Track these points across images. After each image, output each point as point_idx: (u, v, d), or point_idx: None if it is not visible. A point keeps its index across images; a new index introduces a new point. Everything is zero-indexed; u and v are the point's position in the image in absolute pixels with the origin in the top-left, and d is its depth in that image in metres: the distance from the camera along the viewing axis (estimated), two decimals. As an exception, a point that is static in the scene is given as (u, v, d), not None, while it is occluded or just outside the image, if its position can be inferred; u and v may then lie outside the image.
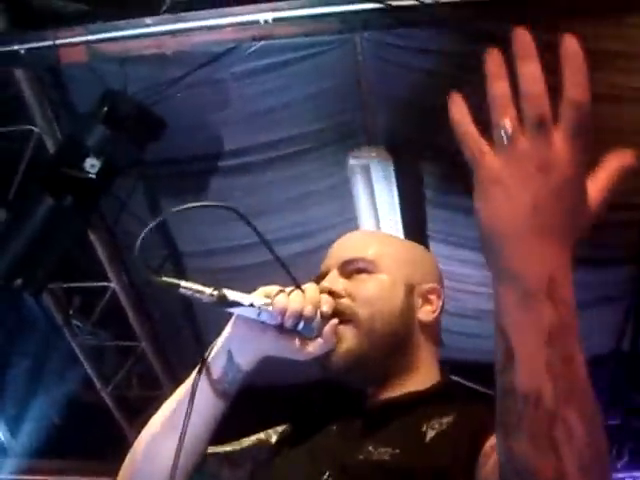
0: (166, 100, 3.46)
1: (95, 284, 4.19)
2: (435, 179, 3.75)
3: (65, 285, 4.25)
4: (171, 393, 1.33)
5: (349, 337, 1.28)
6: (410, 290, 1.35)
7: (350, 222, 3.96)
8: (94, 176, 3.35)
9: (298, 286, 1.25)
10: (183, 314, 4.44)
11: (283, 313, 1.21)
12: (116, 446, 4.88)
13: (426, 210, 3.92)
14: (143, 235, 1.17)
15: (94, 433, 4.98)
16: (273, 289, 1.24)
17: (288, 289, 1.24)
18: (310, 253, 4.18)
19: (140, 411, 4.77)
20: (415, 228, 3.94)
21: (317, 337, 1.25)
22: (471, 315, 4.43)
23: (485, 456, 1.08)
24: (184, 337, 4.52)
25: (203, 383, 1.25)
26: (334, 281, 1.32)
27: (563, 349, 0.79)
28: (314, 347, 1.25)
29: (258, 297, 1.22)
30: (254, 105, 3.62)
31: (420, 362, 1.34)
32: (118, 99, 3.35)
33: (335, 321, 1.26)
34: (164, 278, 1.17)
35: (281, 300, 1.21)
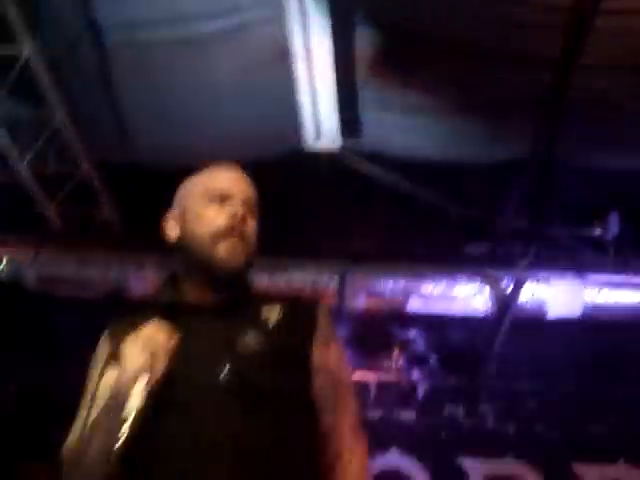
0: None
1: (6, 52, 3.93)
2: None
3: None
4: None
5: (242, 252, 1.81)
6: None
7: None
8: None
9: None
10: (100, 85, 4.29)
11: None
12: (36, 221, 4.91)
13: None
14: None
15: (13, 209, 4.94)
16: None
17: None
18: (238, 31, 4.03)
19: (58, 187, 4.72)
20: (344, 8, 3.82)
21: None
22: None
23: (320, 367, 1.77)
24: (101, 109, 4.40)
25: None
26: (246, 211, 1.83)
27: None
28: None
29: None
30: None
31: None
32: None
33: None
34: None
35: None
